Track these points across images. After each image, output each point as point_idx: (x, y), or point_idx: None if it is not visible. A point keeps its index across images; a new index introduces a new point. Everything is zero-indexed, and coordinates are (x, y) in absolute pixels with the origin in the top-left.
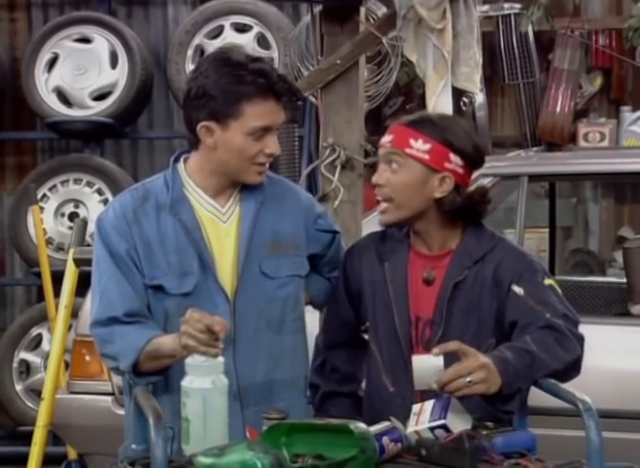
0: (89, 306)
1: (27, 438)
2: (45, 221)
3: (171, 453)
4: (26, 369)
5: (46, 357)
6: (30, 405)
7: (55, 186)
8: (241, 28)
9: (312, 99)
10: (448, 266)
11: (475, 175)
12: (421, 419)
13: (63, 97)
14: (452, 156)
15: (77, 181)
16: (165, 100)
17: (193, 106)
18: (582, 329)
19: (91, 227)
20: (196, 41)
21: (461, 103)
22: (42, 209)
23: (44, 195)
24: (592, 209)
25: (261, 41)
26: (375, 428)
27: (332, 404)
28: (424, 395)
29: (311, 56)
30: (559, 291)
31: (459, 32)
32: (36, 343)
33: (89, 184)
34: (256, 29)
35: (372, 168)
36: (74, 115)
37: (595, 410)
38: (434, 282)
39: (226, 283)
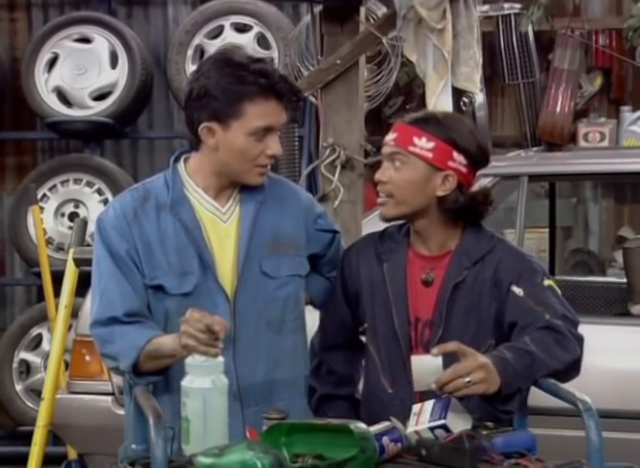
0: (89, 306)
1: (27, 438)
2: (45, 221)
3: (171, 453)
4: (26, 369)
5: (46, 357)
6: (30, 405)
7: (55, 186)
8: (241, 28)
9: (312, 99)
10: (447, 267)
11: (476, 175)
12: (421, 419)
13: (63, 97)
14: (455, 155)
15: (77, 181)
16: (165, 100)
17: (195, 107)
18: (582, 329)
19: (91, 227)
20: (196, 41)
21: (461, 103)
22: (42, 209)
23: (44, 195)
24: (592, 209)
25: (261, 41)
26: (375, 428)
27: (329, 407)
28: (423, 396)
29: (311, 56)
30: (558, 291)
31: (459, 32)
32: (36, 343)
33: (89, 184)
34: (256, 29)
35: (372, 168)
36: (74, 115)
37: (595, 410)
38: (433, 283)
39: (226, 283)
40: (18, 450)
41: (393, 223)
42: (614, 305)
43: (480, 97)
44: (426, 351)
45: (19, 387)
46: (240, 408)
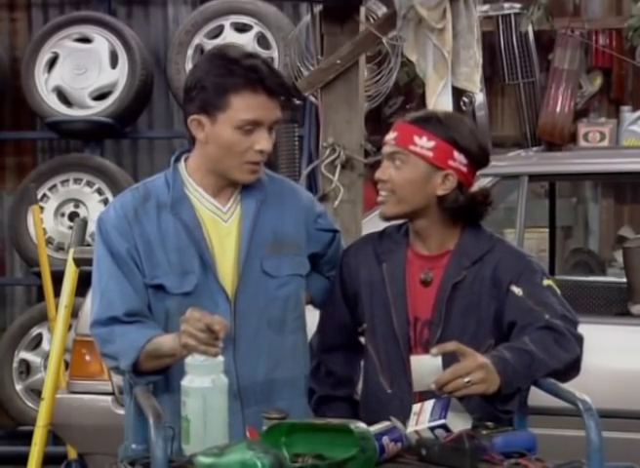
0: (89, 306)
1: (27, 438)
2: (45, 221)
3: (171, 453)
4: (26, 368)
5: (46, 357)
6: (30, 404)
7: (55, 186)
8: (241, 28)
9: (312, 99)
10: (446, 267)
11: (476, 175)
12: (422, 419)
13: (63, 96)
14: (456, 154)
15: (77, 181)
16: (165, 100)
17: (187, 100)
18: (582, 329)
19: (91, 227)
20: (196, 41)
21: (461, 103)
22: (42, 208)
23: (44, 195)
24: (592, 209)
25: (261, 41)
26: (375, 428)
27: (328, 408)
28: (423, 396)
29: (311, 56)
30: (558, 291)
31: (459, 32)
32: (36, 343)
33: (89, 184)
34: (256, 29)
35: (372, 168)
36: (74, 115)
37: (595, 410)
38: (432, 283)
39: (227, 282)
40: (18, 450)
41: (392, 223)
42: (614, 305)
43: (480, 97)
44: (425, 351)
45: (19, 387)
46: (240, 407)
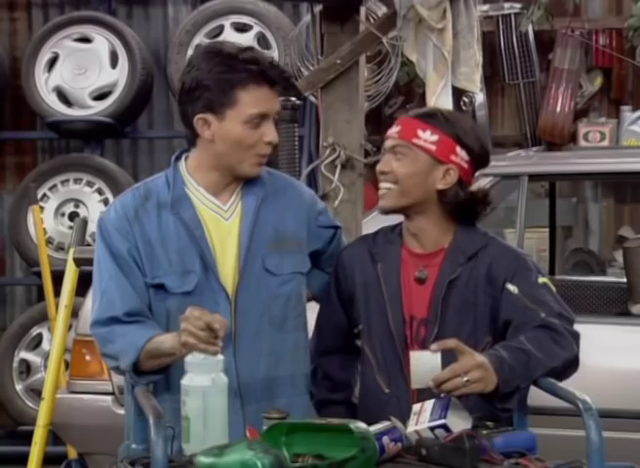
0: (90, 306)
1: (27, 437)
2: (45, 221)
3: (171, 453)
4: (26, 368)
5: (46, 357)
6: (30, 404)
7: (55, 186)
8: (241, 28)
9: (312, 99)
10: (441, 264)
11: (475, 174)
12: (422, 419)
13: (63, 96)
14: (458, 149)
15: (77, 181)
16: (165, 100)
17: (188, 100)
18: (583, 329)
19: (91, 227)
20: (196, 41)
21: (462, 103)
22: (42, 208)
23: (44, 195)
24: (592, 208)
25: (262, 41)
26: (375, 428)
27: (326, 412)
28: (421, 395)
29: (311, 55)
30: (553, 289)
31: (459, 32)
32: (36, 343)
33: (89, 184)
34: (256, 29)
35: (372, 167)
36: (74, 115)
37: (595, 410)
38: (427, 280)
39: (228, 281)
40: (18, 450)
41: (385, 226)
42: (614, 305)
43: (480, 97)
44: (423, 349)
45: (19, 387)
46: (240, 405)
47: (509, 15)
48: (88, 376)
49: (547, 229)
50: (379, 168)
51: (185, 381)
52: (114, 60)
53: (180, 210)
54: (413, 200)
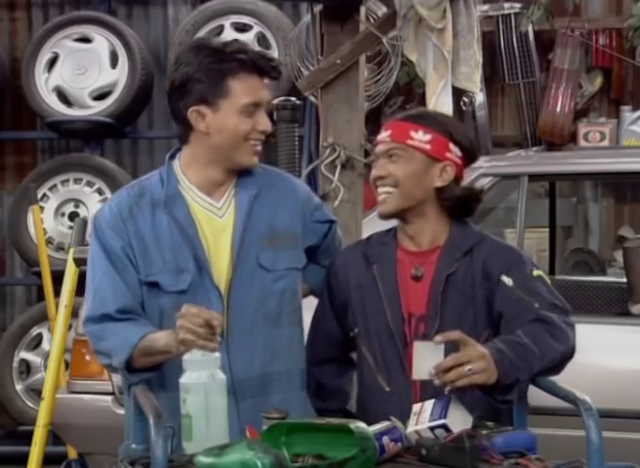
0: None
1: (28, 437)
2: (45, 221)
3: (171, 453)
4: (26, 368)
5: (46, 357)
6: (30, 404)
7: (55, 186)
8: (241, 28)
9: (312, 99)
10: (437, 260)
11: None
12: (422, 419)
13: (63, 96)
14: (451, 146)
15: (77, 181)
16: (165, 100)
17: (180, 96)
18: (583, 329)
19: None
20: None
21: (461, 103)
22: (42, 208)
23: (44, 195)
24: (592, 208)
25: (261, 41)
26: (375, 428)
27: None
28: (422, 393)
29: (311, 55)
30: (548, 281)
31: (459, 32)
32: (36, 343)
33: (89, 184)
34: (256, 29)
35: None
36: (74, 115)
37: (595, 410)
38: (423, 278)
39: (222, 278)
40: (18, 450)
41: (377, 231)
42: (614, 305)
43: (480, 97)
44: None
45: (19, 387)
46: (235, 401)
47: (509, 15)
48: (88, 376)
49: (547, 229)
50: (375, 174)
51: (185, 379)
52: (114, 60)
53: (174, 208)
54: (414, 201)
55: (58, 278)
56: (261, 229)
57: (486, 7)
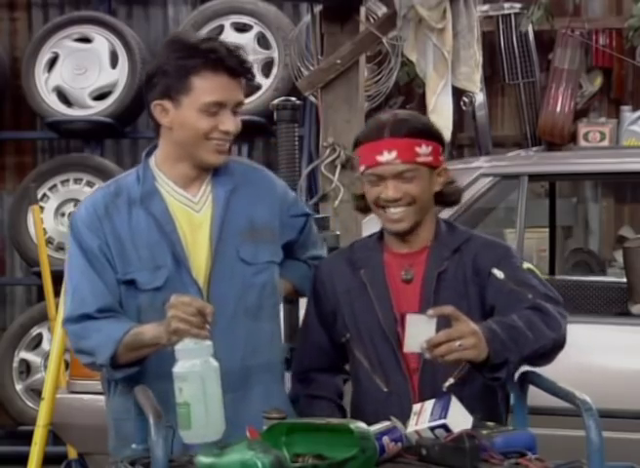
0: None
1: (28, 437)
2: (45, 221)
3: (171, 453)
4: (26, 368)
5: (46, 357)
6: (30, 404)
7: (55, 186)
8: (241, 28)
9: (312, 99)
10: (427, 260)
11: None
12: (422, 419)
13: (63, 96)
14: (441, 148)
15: (77, 181)
16: None
17: (149, 88)
18: (583, 328)
19: None
20: None
21: (462, 103)
22: (42, 208)
23: (44, 195)
24: (592, 208)
25: (262, 41)
26: (375, 428)
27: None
28: (420, 391)
29: (311, 55)
30: (539, 273)
31: (459, 32)
32: (36, 343)
33: (89, 184)
34: (256, 29)
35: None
36: (74, 115)
37: (595, 410)
38: (413, 279)
39: (200, 273)
40: (18, 450)
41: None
42: (614, 305)
43: (480, 97)
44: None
45: (19, 387)
46: None
47: (509, 15)
48: (88, 376)
49: (547, 229)
50: (391, 196)
51: (179, 368)
52: (114, 60)
53: (151, 204)
54: (426, 212)
55: (58, 278)
56: (240, 223)
57: (486, 7)
